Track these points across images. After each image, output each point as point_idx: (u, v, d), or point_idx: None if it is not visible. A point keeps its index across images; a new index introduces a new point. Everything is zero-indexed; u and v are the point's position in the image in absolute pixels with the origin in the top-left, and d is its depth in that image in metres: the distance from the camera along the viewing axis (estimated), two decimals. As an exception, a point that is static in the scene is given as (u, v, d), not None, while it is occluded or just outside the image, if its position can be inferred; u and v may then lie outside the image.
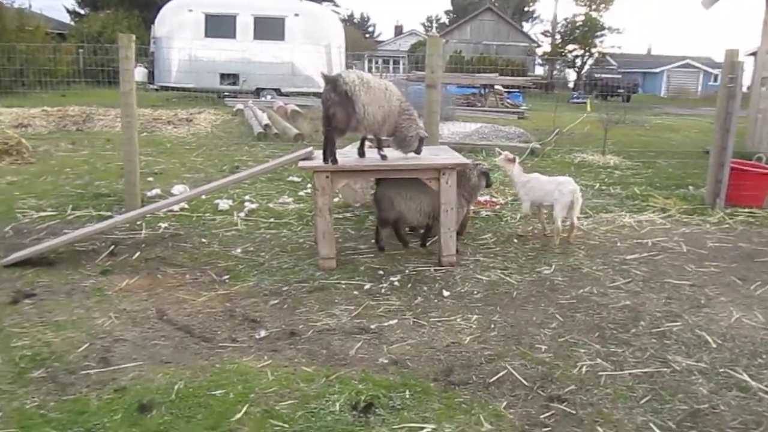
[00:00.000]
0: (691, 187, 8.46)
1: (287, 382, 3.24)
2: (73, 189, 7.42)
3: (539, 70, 49.72)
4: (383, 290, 4.57)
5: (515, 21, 52.66)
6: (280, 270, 4.96)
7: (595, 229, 6.38)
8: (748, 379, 3.42)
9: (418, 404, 3.08)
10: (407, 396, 3.14)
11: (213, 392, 3.12)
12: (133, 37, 6.44)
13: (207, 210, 6.62)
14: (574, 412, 3.07)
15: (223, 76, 20.87)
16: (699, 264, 5.39)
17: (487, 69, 27.74)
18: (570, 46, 47.24)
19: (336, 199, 6.93)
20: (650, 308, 4.38)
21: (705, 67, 50.37)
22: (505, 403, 3.11)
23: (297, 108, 15.74)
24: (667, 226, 6.57)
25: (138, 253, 5.22)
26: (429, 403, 3.09)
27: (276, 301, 4.33)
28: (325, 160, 4.90)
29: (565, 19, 47.34)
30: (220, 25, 20.44)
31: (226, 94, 20.83)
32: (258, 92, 20.77)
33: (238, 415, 2.94)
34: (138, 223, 5.98)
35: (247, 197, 7.16)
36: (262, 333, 3.83)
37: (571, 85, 44.05)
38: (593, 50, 47.06)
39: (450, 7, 65.90)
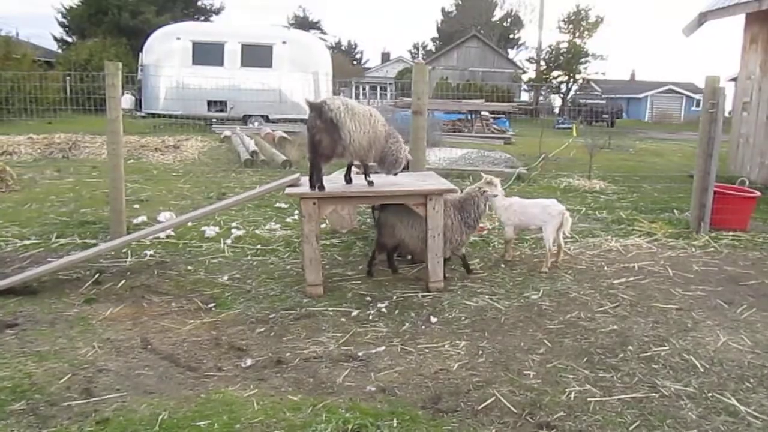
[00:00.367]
0: (676, 211, 8.53)
1: (273, 411, 3.20)
2: (57, 217, 7.36)
3: (525, 96, 50.23)
4: (371, 317, 4.55)
5: (501, 48, 53.39)
6: (266, 297, 4.92)
7: (582, 253, 6.40)
8: (736, 403, 3.41)
9: (406, 433, 3.04)
10: (395, 424, 3.10)
11: (198, 423, 3.07)
12: (120, 64, 6.45)
13: (193, 237, 6.59)
14: (563, 439, 3.04)
15: (210, 103, 20.96)
16: (685, 288, 5.41)
17: (473, 95, 28.04)
18: (555, 73, 47.85)
19: (323, 226, 6.92)
20: (638, 333, 4.38)
21: (688, 93, 51.21)
22: (493, 431, 3.08)
23: (285, 135, 15.79)
24: (653, 250, 6.60)
25: (123, 281, 5.17)
26: (417, 431, 3.06)
27: (263, 329, 4.29)
28: (311, 186, 4.90)
29: (550, 46, 48.01)
30: (207, 53, 20.57)
31: (213, 121, 20.87)
32: (246, 119, 20.83)
33: (223, 447, 2.89)
34: (123, 250, 5.94)
35: (234, 224, 7.13)
36: (249, 362, 3.79)
37: (556, 110, 44.54)
38: (578, 76, 47.71)
39: (436, 35, 66.65)
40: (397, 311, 4.67)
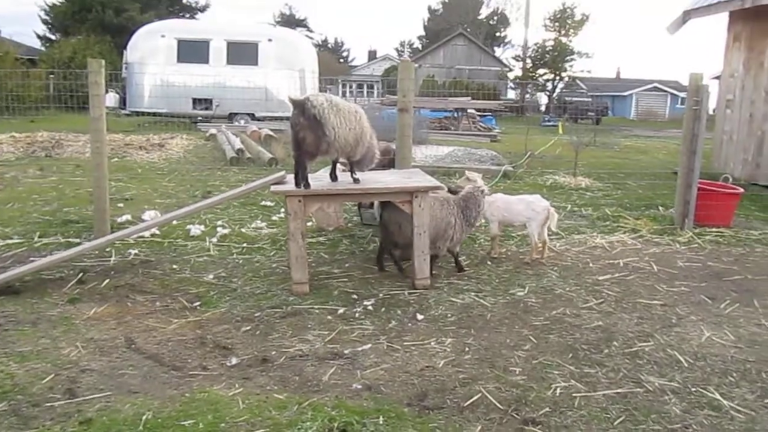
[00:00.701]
0: (660, 208, 8.60)
1: (259, 410, 3.18)
2: (40, 216, 7.28)
3: (511, 94, 50.39)
4: (357, 314, 4.54)
5: (487, 46, 53.51)
6: (252, 296, 4.90)
7: (567, 250, 6.43)
8: (719, 397, 3.44)
9: (392, 430, 3.04)
10: (381, 422, 3.10)
11: (182, 422, 3.05)
12: (103, 62, 6.39)
13: (178, 236, 6.54)
14: (548, 434, 3.05)
15: (196, 101, 20.82)
16: (669, 284, 5.45)
17: (460, 93, 28.11)
18: (541, 71, 48.03)
19: (309, 223, 6.90)
20: (623, 328, 4.41)
21: (672, 91, 51.58)
22: (479, 427, 3.09)
23: (271, 132, 15.73)
24: (638, 247, 6.64)
25: (107, 281, 5.12)
26: (403, 429, 3.05)
27: (248, 328, 4.27)
28: (297, 184, 4.88)
29: (536, 44, 48.17)
30: (193, 51, 20.44)
31: (199, 119, 20.75)
32: (231, 117, 20.73)
33: (208, 446, 2.87)
34: (107, 249, 5.88)
35: (219, 222, 7.09)
36: (234, 360, 3.77)
37: (542, 108, 44.73)
38: (563, 74, 47.92)
39: (423, 33, 66.73)
40: (383, 309, 4.66)
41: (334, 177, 5.24)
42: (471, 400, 3.34)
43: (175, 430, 2.98)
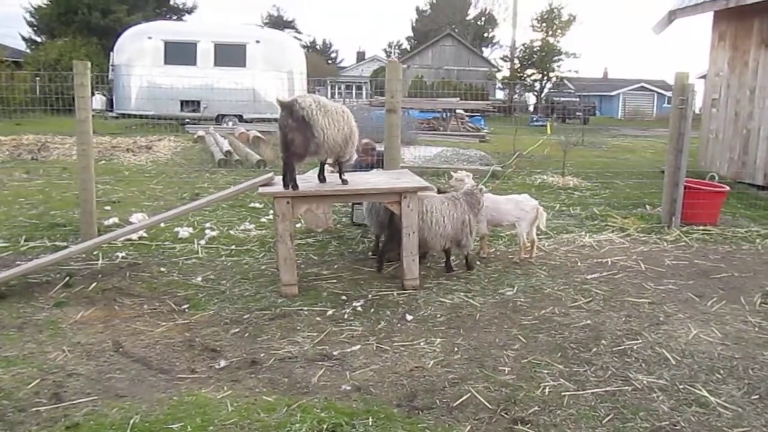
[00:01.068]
0: (648, 207, 8.65)
1: (247, 412, 3.17)
2: (26, 219, 7.22)
3: (500, 94, 50.49)
4: (346, 316, 4.53)
5: (475, 46, 53.61)
6: (241, 298, 4.88)
7: (556, 249, 6.45)
8: (707, 394, 3.47)
9: (381, 431, 3.04)
10: (370, 423, 3.09)
11: (170, 426, 3.03)
12: (89, 63, 6.34)
13: (166, 238, 6.50)
14: (537, 433, 3.06)
15: (184, 103, 20.72)
16: (657, 282, 5.48)
17: (448, 93, 28.15)
18: (529, 71, 48.11)
19: (298, 225, 6.88)
20: (611, 327, 4.43)
21: (659, 90, 51.91)
22: (469, 427, 3.09)
23: (259, 134, 15.68)
24: (626, 245, 6.68)
25: (94, 284, 5.08)
26: (392, 430, 3.05)
27: (237, 330, 4.25)
28: (285, 185, 4.87)
29: (524, 45, 48.26)
30: (180, 52, 20.33)
31: (187, 121, 20.65)
32: (219, 119, 20.65)
33: (197, 449, 2.85)
34: (94, 253, 5.84)
35: (207, 224, 7.06)
36: (222, 363, 3.75)
37: (531, 108, 44.85)
38: (551, 74, 48.04)
39: (411, 34, 66.72)
40: (372, 310, 4.66)
41: (322, 178, 5.23)
42: (460, 400, 3.34)
43: (163, 434, 2.96)
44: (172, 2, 44.90)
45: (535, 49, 47.04)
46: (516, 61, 48.35)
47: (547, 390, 3.49)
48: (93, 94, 6.38)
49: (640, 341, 4.19)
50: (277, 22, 63.65)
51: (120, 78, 20.06)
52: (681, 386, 3.57)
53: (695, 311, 4.79)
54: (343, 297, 4.91)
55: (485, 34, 61.24)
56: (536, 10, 58.72)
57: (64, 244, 6.17)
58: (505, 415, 3.21)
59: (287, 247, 4.87)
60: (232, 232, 6.86)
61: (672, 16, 12.36)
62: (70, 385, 3.45)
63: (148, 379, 3.55)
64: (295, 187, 4.85)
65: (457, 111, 24.24)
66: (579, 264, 5.96)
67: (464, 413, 3.23)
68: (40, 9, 38.78)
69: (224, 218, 7.51)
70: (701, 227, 7.40)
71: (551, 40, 47.18)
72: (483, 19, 61.14)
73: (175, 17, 43.48)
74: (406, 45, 66.83)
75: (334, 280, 5.32)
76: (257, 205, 8.27)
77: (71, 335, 4.11)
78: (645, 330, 4.38)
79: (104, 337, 4.10)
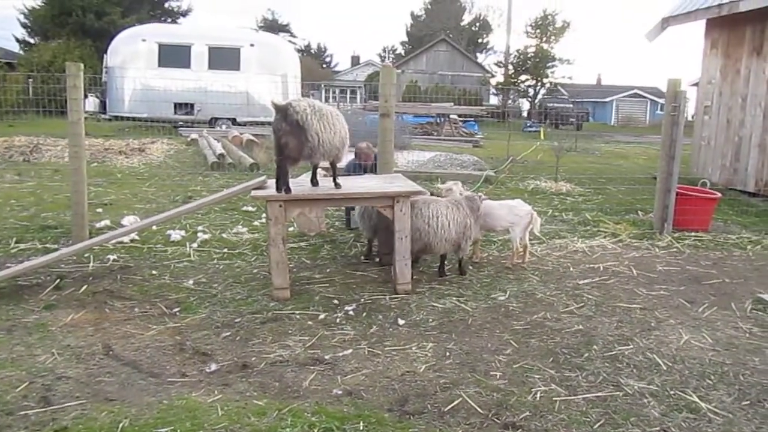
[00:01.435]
0: (640, 213, 8.67)
1: (238, 417, 3.15)
2: (17, 221, 7.17)
3: (493, 100, 50.62)
4: (338, 320, 4.52)
5: (469, 52, 53.75)
6: (233, 301, 4.86)
7: (548, 254, 6.46)
8: (697, 400, 3.47)
9: (372, 436, 3.03)
10: (361, 427, 3.08)
11: (160, 429, 3.01)
12: (82, 65, 6.32)
13: (158, 241, 6.48)
14: (528, 438, 3.05)
15: (177, 105, 20.67)
16: (649, 287, 5.50)
17: (442, 99, 28.18)
18: (522, 77, 48.25)
19: (291, 229, 6.87)
20: (602, 332, 4.43)
21: (652, 97, 52.22)
22: (460, 432, 3.08)
23: (252, 137, 15.66)
24: (618, 251, 6.70)
25: (85, 287, 5.06)
26: (383, 435, 3.04)
27: (228, 334, 4.23)
28: (278, 189, 4.86)
29: (518, 51, 48.40)
30: (174, 55, 20.29)
31: (180, 123, 20.60)
32: (213, 122, 20.62)
33: (186, 453, 2.83)
34: (86, 255, 5.81)
35: (200, 228, 7.03)
36: (213, 367, 3.73)
37: (524, 114, 44.96)
38: (545, 80, 48.20)
39: (406, 39, 66.84)
40: (364, 314, 4.65)
41: (314, 182, 5.22)
42: (451, 405, 3.34)
43: (153, 438, 2.94)
44: (166, 5, 44.87)
45: (529, 55, 47.20)
46: (510, 66, 48.49)
47: (538, 395, 3.48)
48: (86, 96, 6.35)
49: (632, 347, 4.19)
50: (272, 26, 63.59)
51: (113, 80, 20.00)
52: (672, 392, 3.57)
53: (686, 317, 4.81)
54: (336, 301, 4.90)
55: (479, 40, 61.43)
56: (530, 17, 59.11)
57: (55, 246, 6.14)
58: (497, 420, 3.21)
59: (279, 251, 4.86)
60: (224, 235, 6.84)
61: (665, 23, 12.43)
62: (59, 388, 3.43)
63: (138, 382, 3.52)
64: (288, 190, 4.84)
65: (451, 116, 24.27)
66: (571, 269, 5.97)
67: (455, 418, 3.22)
68: (34, 11, 38.65)
69: (217, 221, 7.49)
70: (693, 233, 7.43)
71: (545, 46, 47.33)
72: (477, 24, 61.35)
73: (169, 20, 43.43)
74: (400, 50, 66.93)
75: (327, 284, 5.31)
76: (250, 208, 8.25)
77: (61, 338, 4.08)
78: (636, 335, 4.39)
79: (94, 340, 4.07)
